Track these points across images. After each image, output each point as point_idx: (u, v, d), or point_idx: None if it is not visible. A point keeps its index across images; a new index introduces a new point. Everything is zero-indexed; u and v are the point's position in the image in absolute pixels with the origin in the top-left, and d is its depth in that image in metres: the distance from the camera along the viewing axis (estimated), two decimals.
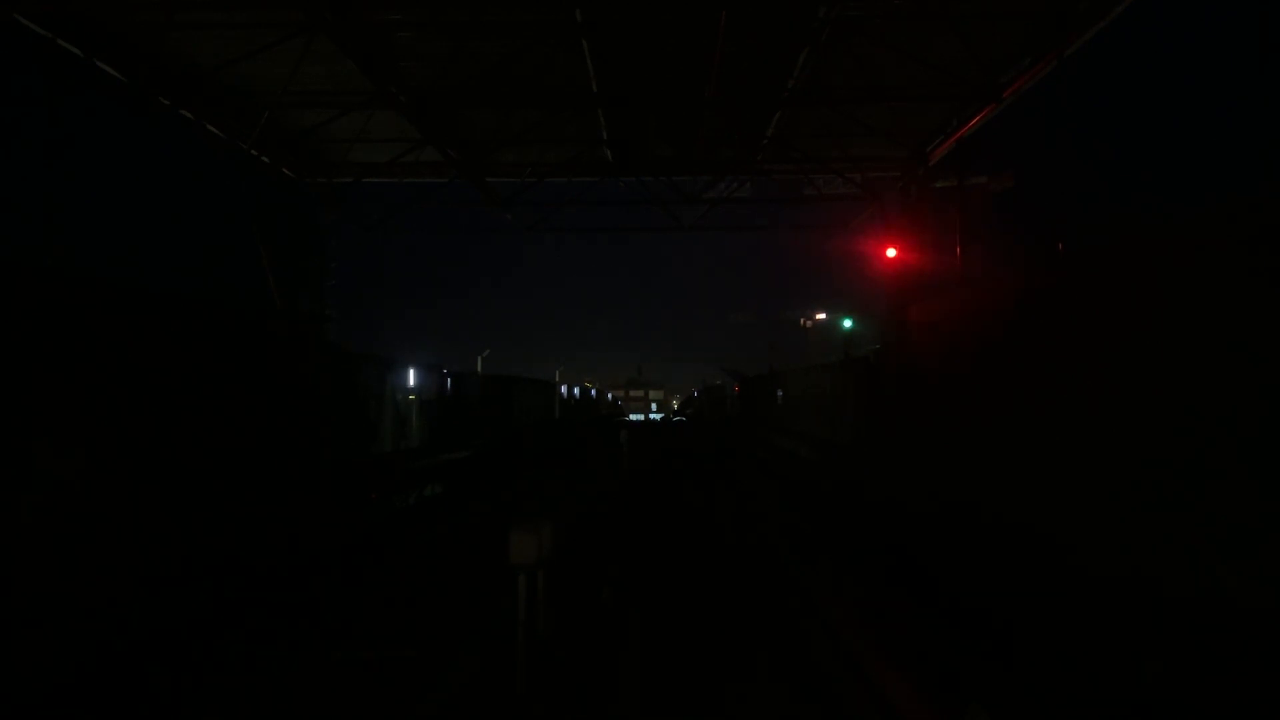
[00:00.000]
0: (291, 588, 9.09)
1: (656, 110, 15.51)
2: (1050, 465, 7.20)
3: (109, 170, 13.03)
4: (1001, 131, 15.15)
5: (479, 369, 42.76)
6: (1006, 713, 5.20)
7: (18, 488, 6.27)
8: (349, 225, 20.16)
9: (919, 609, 7.65)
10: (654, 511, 14.61)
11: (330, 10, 11.15)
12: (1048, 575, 6.76)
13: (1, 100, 11.39)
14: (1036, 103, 13.60)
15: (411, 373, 18.82)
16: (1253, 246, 4.95)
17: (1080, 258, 7.50)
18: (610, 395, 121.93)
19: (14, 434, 6.30)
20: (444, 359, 25.51)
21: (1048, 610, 6.52)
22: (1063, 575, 6.56)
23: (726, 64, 12.43)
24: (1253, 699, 4.51)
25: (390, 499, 15.07)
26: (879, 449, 14.06)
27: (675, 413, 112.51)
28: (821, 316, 49.28)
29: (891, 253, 17.07)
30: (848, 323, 34.81)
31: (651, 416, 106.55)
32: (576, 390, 68.65)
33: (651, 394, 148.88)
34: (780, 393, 29.07)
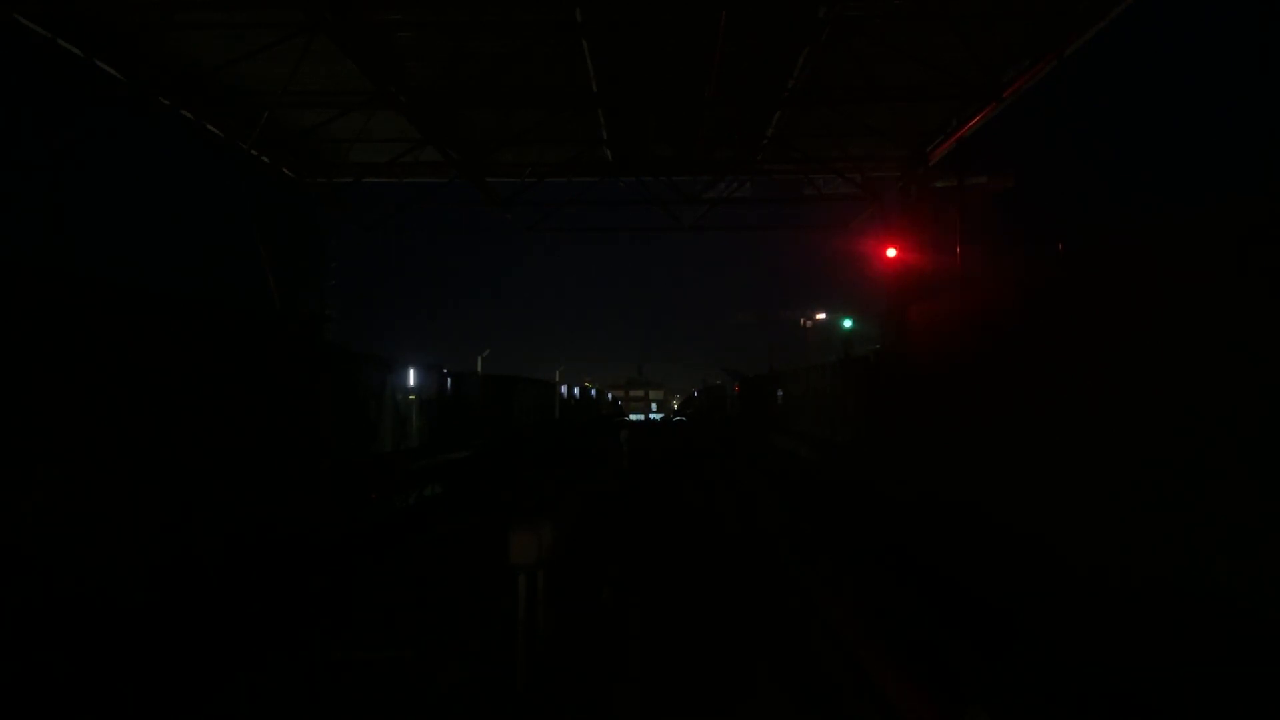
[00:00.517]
0: (291, 588, 9.09)
1: (656, 110, 15.51)
2: (1050, 465, 7.20)
3: (109, 170, 13.03)
4: (1001, 131, 15.17)
5: (479, 369, 42.76)
6: (1007, 713, 5.20)
7: (18, 488, 6.28)
8: (349, 225, 20.17)
9: (919, 609, 7.65)
10: (654, 511, 14.60)
11: (330, 10, 11.16)
12: (1047, 573, 6.77)
13: (1, 100, 11.39)
14: (1036, 103, 13.62)
15: (411, 373, 18.83)
16: (1252, 245, 4.95)
17: (1079, 257, 7.50)
18: (610, 395, 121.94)
19: (14, 434, 6.30)
20: (444, 359, 25.55)
21: (1047, 609, 6.52)
22: (1062, 573, 6.56)
23: (726, 64, 12.44)
24: (1253, 698, 4.51)
25: (390, 499, 15.07)
26: (879, 448, 14.06)
27: (675, 413, 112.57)
28: (821, 316, 49.27)
29: (891, 253, 17.07)
30: (848, 323, 34.82)
31: (652, 416, 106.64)
32: (577, 390, 68.65)
33: (652, 394, 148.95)
34: (780, 393, 29.08)
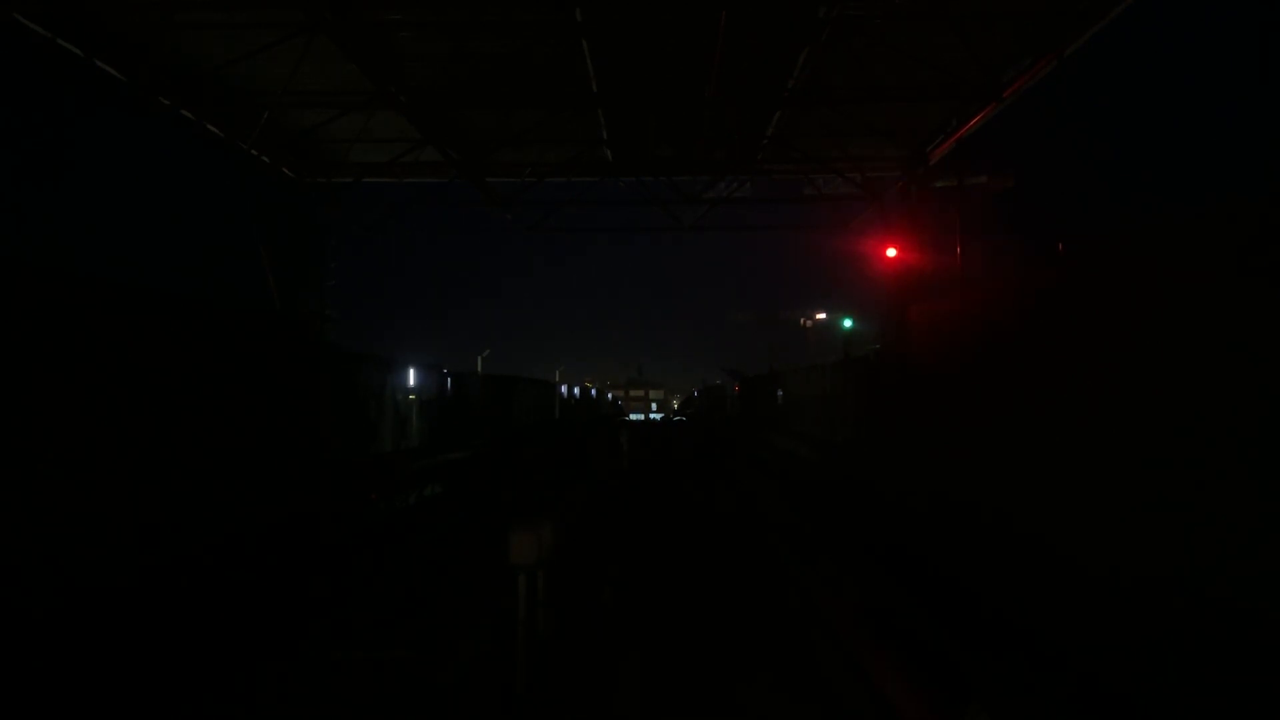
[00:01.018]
0: (291, 587, 9.09)
1: (656, 110, 15.50)
2: (1049, 464, 7.20)
3: (109, 170, 13.04)
4: (1001, 131, 15.18)
5: (479, 369, 42.75)
6: (1007, 713, 5.20)
7: (17, 487, 6.28)
8: (349, 225, 20.16)
9: (918, 608, 7.65)
10: (654, 511, 14.61)
11: (330, 10, 11.15)
12: (1045, 571, 6.77)
13: (1, 100, 11.39)
14: (1036, 103, 13.63)
15: (411, 373, 18.83)
16: (1252, 246, 4.95)
17: (1079, 257, 7.50)
18: (610, 395, 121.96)
19: (14, 434, 6.30)
20: (444, 359, 25.53)
21: (1045, 606, 6.52)
22: (1060, 570, 6.56)
23: (726, 64, 12.43)
24: (1253, 698, 4.51)
25: (391, 499, 15.07)
26: (879, 448, 14.06)
27: (675, 413, 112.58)
28: (821, 316, 49.25)
29: (891, 253, 17.07)
30: (848, 323, 34.79)
31: (652, 416, 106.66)
32: (577, 390, 68.68)
33: (651, 394, 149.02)
34: (780, 392, 29.08)
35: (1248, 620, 4.67)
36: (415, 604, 8.30)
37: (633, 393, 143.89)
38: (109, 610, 6.91)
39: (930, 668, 6.01)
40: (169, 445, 8.32)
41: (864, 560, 9.78)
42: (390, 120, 15.74)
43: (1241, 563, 4.83)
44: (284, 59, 12.27)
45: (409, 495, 16.05)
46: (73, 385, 7.10)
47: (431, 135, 16.04)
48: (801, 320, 51.03)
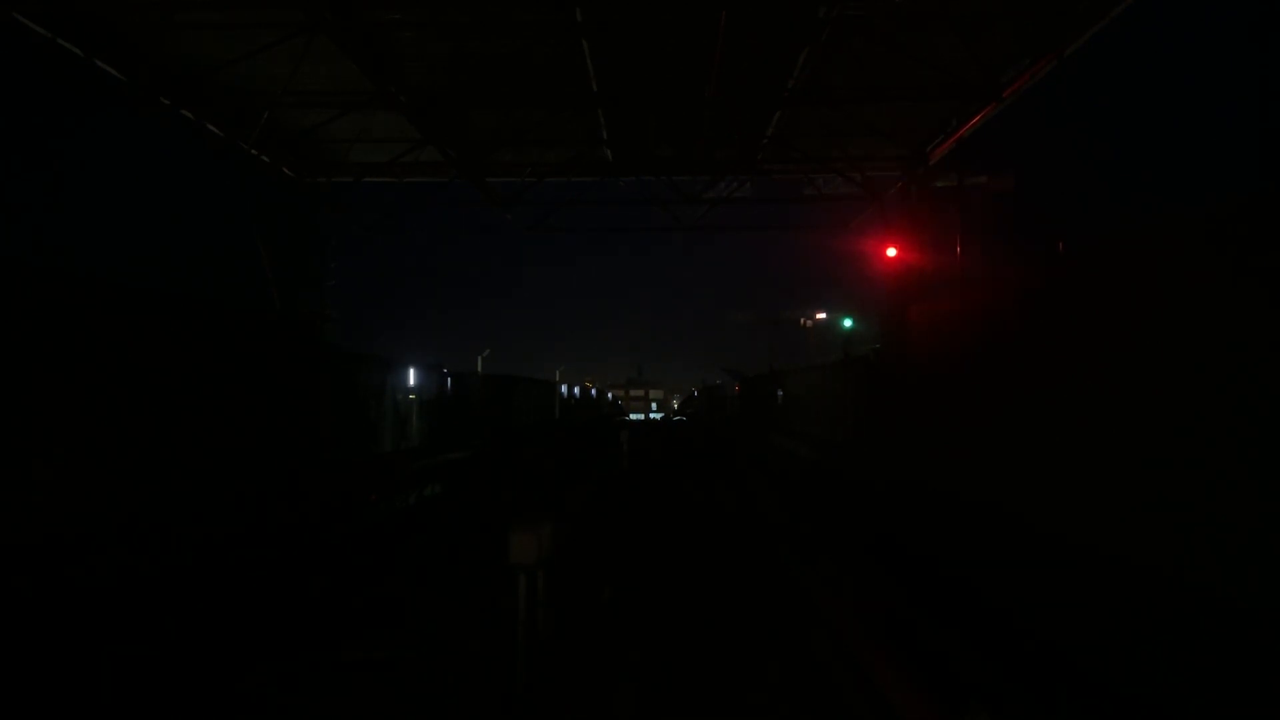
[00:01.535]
0: (291, 587, 9.08)
1: (656, 110, 15.50)
2: (1049, 463, 7.20)
3: (109, 170, 13.04)
4: (1001, 131, 15.17)
5: (479, 369, 42.75)
6: (1007, 712, 5.21)
7: (14, 485, 6.28)
8: (349, 225, 20.17)
9: (917, 607, 7.65)
10: (654, 511, 14.60)
11: (330, 10, 11.15)
12: (1045, 568, 6.77)
13: (1, 100, 11.39)
14: (1036, 103, 13.62)
15: (411, 373, 18.83)
16: (1251, 246, 4.95)
17: (1078, 257, 7.50)
18: (610, 395, 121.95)
19: (14, 433, 6.31)
20: (444, 359, 25.54)
21: (1044, 604, 6.52)
22: (1061, 569, 6.56)
23: (726, 64, 12.43)
24: (1252, 697, 4.51)
25: (391, 499, 15.07)
26: (878, 447, 14.06)
27: (675, 412, 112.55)
28: (821, 316, 49.25)
29: (891, 252, 17.07)
30: (848, 322, 34.80)
31: (652, 416, 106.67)
32: (577, 390, 68.67)
33: (651, 394, 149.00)
34: (780, 392, 29.07)
35: (1246, 617, 4.67)
36: (415, 604, 8.30)
37: (633, 393, 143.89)
38: (108, 610, 6.91)
39: (929, 664, 6.02)
40: (168, 445, 8.32)
41: (863, 561, 9.78)
42: (390, 120, 15.75)
43: (1238, 557, 4.83)
44: (284, 59, 12.28)
45: (409, 495, 16.05)
46: (71, 385, 7.10)
47: (431, 135, 16.04)
48: (801, 320, 51.02)
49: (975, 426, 9.18)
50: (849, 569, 9.35)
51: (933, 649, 6.46)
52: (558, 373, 71.73)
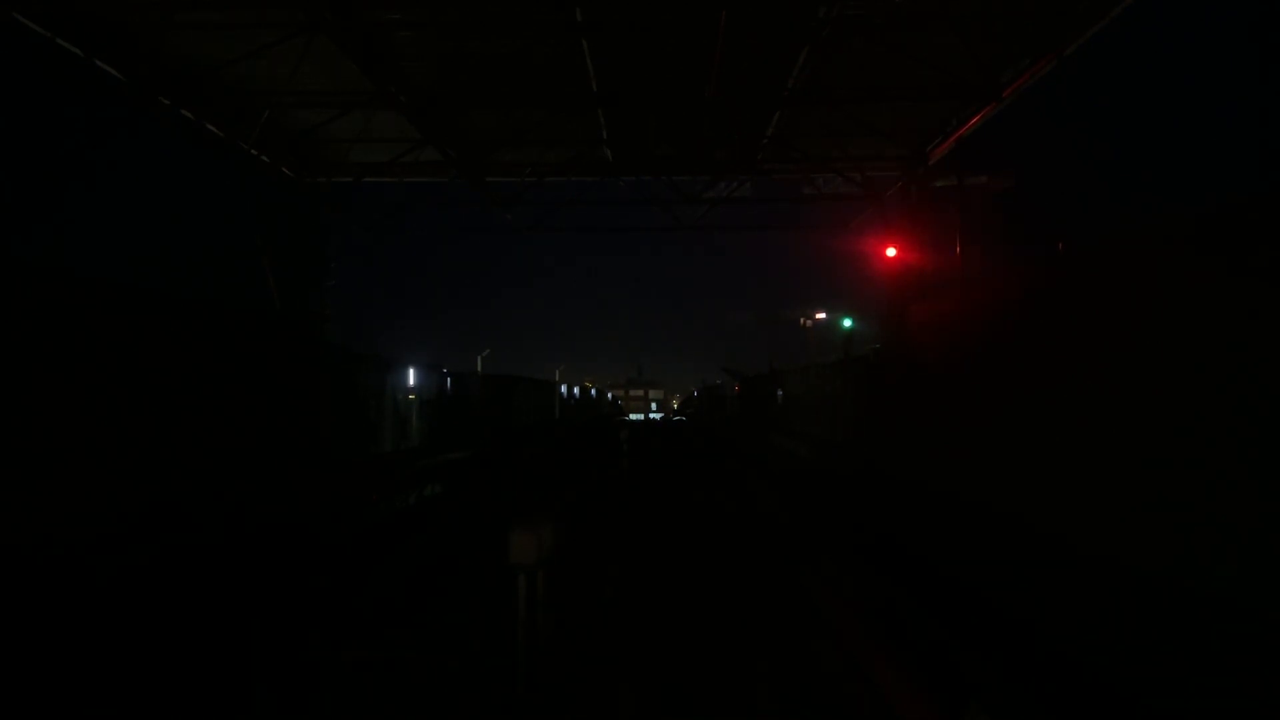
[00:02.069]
0: (291, 587, 9.08)
1: (656, 110, 15.50)
2: (1048, 462, 7.20)
3: (109, 170, 13.04)
4: (1001, 131, 15.18)
5: (479, 369, 42.76)
6: (1007, 712, 5.20)
7: (13, 483, 6.28)
8: (349, 225, 20.17)
9: (915, 607, 7.65)
10: (654, 511, 14.60)
11: (330, 10, 11.15)
12: (1043, 566, 6.77)
13: (1, 100, 11.39)
14: (1036, 103, 13.63)
15: (411, 373, 18.84)
16: (1251, 245, 4.95)
17: (1078, 257, 7.50)
18: (610, 395, 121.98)
19: (12, 431, 6.31)
20: (444, 359, 25.54)
21: (1042, 601, 6.52)
22: (1061, 567, 6.56)
23: (726, 64, 12.43)
24: (1251, 696, 4.51)
25: (391, 499, 15.08)
26: (878, 447, 14.07)
27: (675, 412, 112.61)
28: (821, 316, 49.19)
29: (891, 252, 17.07)
30: (848, 323, 34.76)
31: (651, 416, 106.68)
32: (576, 390, 68.69)
33: (651, 394, 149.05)
34: (780, 392, 29.08)
35: (1245, 616, 4.67)
36: (415, 604, 8.30)
37: (632, 393, 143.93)
38: (107, 611, 6.91)
39: (928, 663, 6.02)
40: (167, 444, 8.32)
41: (864, 561, 9.78)
42: (390, 120, 15.75)
43: (1236, 557, 4.84)
44: (284, 59, 12.28)
45: (409, 495, 16.05)
46: (70, 384, 7.10)
47: (431, 135, 16.05)
48: (801, 320, 50.96)
49: (974, 426, 9.19)
50: (849, 569, 9.35)
51: (932, 649, 6.46)
52: (557, 373, 71.77)
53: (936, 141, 16.70)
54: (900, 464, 12.15)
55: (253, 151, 15.84)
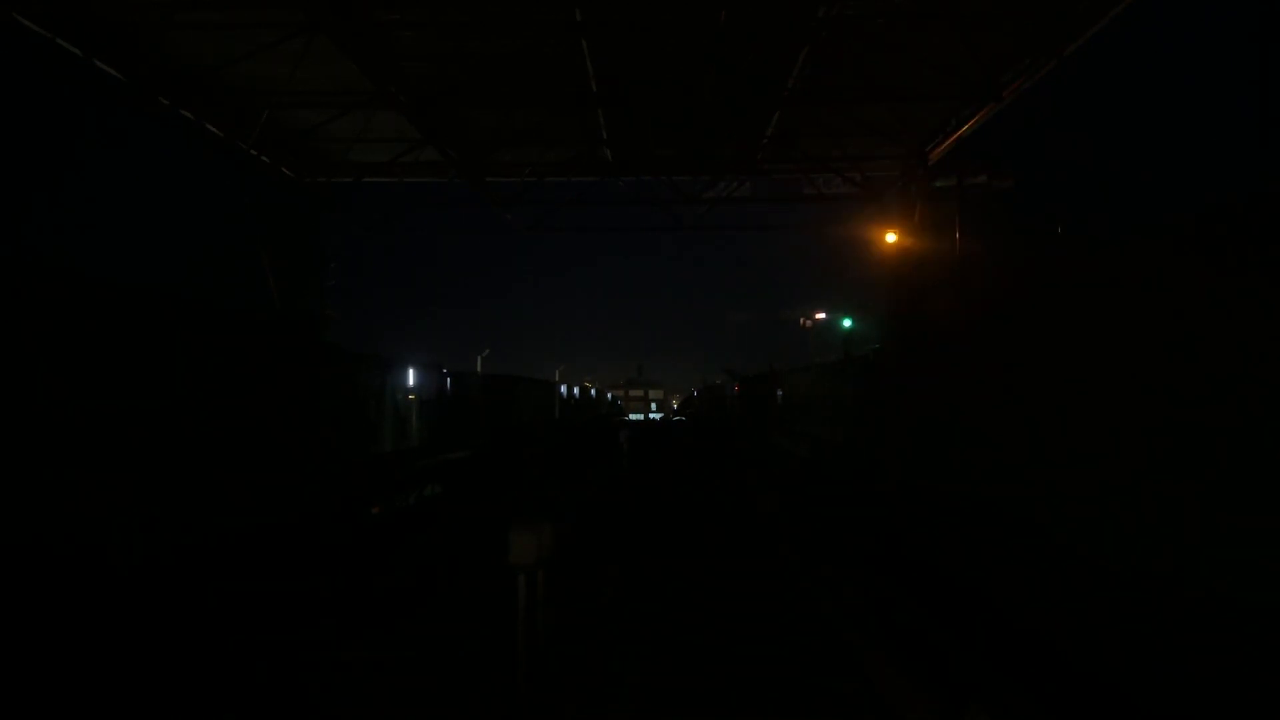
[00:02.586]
0: (291, 587, 9.08)
1: (656, 110, 15.51)
2: (1048, 462, 7.21)
3: (109, 170, 13.05)
4: (1001, 131, 15.19)
5: (479, 369, 42.77)
6: (1006, 712, 5.20)
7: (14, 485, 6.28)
8: (349, 225, 20.19)
9: (915, 607, 7.65)
10: (654, 511, 14.60)
11: (330, 10, 11.16)
12: (1042, 565, 6.77)
13: (1, 100, 11.40)
14: (1036, 103, 13.64)
15: (411, 372, 18.83)
16: (1251, 245, 4.96)
17: (1078, 257, 7.50)
18: (610, 395, 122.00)
19: (12, 429, 6.31)
20: (444, 359, 25.56)
21: (1040, 600, 6.53)
22: (1055, 563, 6.57)
23: (726, 64, 12.45)
24: (1250, 695, 4.52)
25: (391, 500, 15.07)
26: (878, 447, 14.06)
27: (675, 413, 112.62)
28: (821, 316, 49.20)
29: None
30: (847, 322, 34.78)
31: (651, 416, 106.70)
32: (576, 390, 68.70)
33: (651, 394, 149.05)
34: (780, 393, 29.08)
35: (1245, 616, 4.67)
36: (415, 604, 8.30)
37: (632, 393, 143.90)
38: (107, 611, 6.91)
39: (927, 662, 6.02)
40: (167, 444, 8.32)
41: (863, 561, 9.78)
42: (390, 120, 15.75)
43: (1237, 559, 4.84)
44: (284, 59, 12.28)
45: (409, 495, 16.05)
46: (69, 383, 7.10)
47: (431, 135, 16.05)
48: (801, 320, 50.98)
49: (973, 425, 9.19)
50: (849, 569, 9.35)
51: (932, 649, 6.46)
52: (557, 373, 71.80)
53: (936, 141, 16.71)
54: (900, 464, 12.15)
55: (253, 151, 15.85)
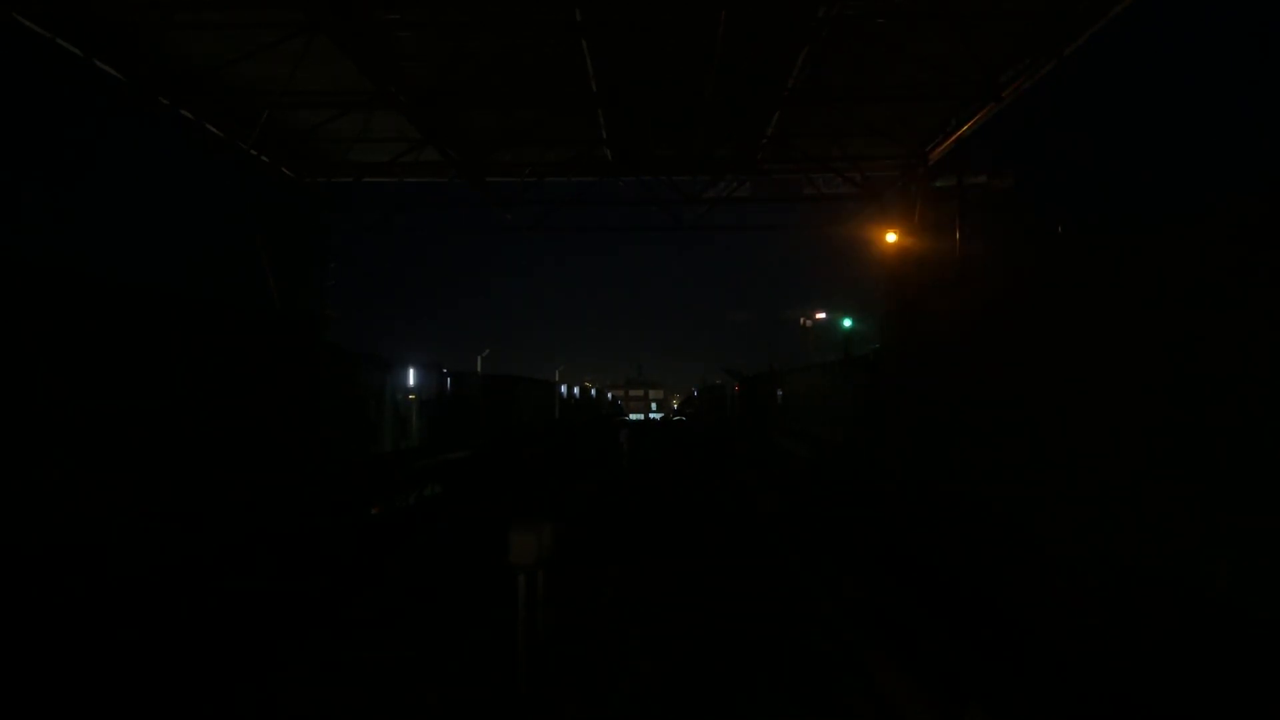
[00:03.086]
0: (291, 587, 9.09)
1: (656, 110, 15.52)
2: (1048, 461, 7.21)
3: (108, 170, 13.06)
4: (1001, 131, 15.21)
5: (479, 369, 42.77)
6: (1006, 712, 5.21)
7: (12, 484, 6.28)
8: (349, 225, 20.19)
9: (914, 607, 7.65)
10: (654, 511, 14.60)
11: (330, 10, 11.16)
12: (1042, 564, 6.77)
13: (1, 100, 11.40)
14: (1036, 103, 13.66)
15: (411, 372, 18.85)
16: (1251, 245, 4.96)
17: (1078, 257, 7.50)
18: (610, 395, 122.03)
19: (12, 431, 6.31)
20: (444, 359, 25.58)
21: (1038, 599, 6.53)
22: (1053, 562, 6.57)
23: (726, 64, 12.45)
24: (1250, 695, 4.52)
25: (391, 500, 15.08)
26: (877, 447, 14.07)
27: (675, 413, 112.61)
28: (821, 316, 49.23)
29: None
30: (848, 322, 34.79)
31: (651, 416, 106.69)
32: (576, 390, 68.72)
33: (651, 394, 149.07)
34: (780, 392, 29.09)
35: (1244, 616, 4.68)
36: (415, 604, 8.30)
37: (632, 393, 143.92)
38: (106, 613, 6.91)
39: (926, 662, 6.02)
40: (164, 445, 8.32)
41: (865, 562, 9.78)
42: (390, 120, 15.76)
43: (1238, 560, 4.84)
44: (284, 59, 12.28)
45: (409, 495, 16.05)
46: (69, 383, 7.10)
47: (431, 135, 16.06)
48: (801, 320, 51.02)
49: (973, 424, 9.19)
50: (849, 569, 9.35)
51: (933, 650, 6.46)
52: (557, 373, 71.81)
53: (936, 141, 16.72)
54: (900, 464, 12.16)
55: (252, 151, 15.85)
